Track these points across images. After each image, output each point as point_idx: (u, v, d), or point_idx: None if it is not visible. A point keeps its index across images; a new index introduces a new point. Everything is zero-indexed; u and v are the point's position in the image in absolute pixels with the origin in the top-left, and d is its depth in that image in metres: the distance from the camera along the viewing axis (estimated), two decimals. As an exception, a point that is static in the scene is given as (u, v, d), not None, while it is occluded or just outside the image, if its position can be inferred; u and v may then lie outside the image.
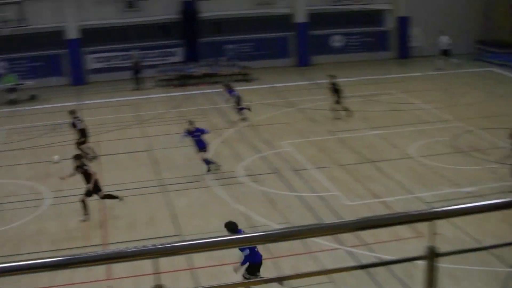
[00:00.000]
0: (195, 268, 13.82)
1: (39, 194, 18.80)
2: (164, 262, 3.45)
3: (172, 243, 3.44)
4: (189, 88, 32.04)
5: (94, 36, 34.42)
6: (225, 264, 13.66)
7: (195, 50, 35.41)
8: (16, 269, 3.72)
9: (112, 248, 12.88)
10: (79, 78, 34.20)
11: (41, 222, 16.79)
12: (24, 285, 12.64)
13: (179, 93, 31.27)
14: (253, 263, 12.24)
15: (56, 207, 17.87)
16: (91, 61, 34.75)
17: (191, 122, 20.00)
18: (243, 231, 12.45)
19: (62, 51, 34.14)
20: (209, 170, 19.80)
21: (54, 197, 18.50)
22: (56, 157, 21.46)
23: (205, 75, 33.55)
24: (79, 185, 18.98)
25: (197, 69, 33.85)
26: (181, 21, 35.18)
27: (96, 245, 15.23)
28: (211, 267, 13.84)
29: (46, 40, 34.18)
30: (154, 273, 3.46)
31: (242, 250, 11.86)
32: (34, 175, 20.40)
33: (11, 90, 31.15)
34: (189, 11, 35.08)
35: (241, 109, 25.29)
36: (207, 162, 19.86)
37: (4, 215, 17.29)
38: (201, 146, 19.79)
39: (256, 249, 12.25)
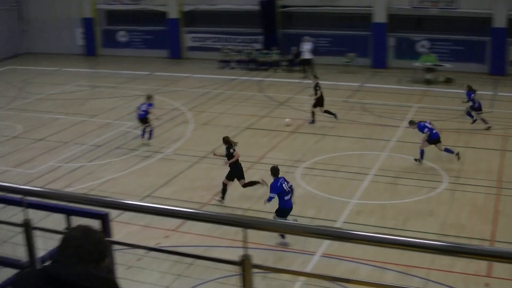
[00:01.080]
0: None
1: (436, 177, 18.71)
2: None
3: None
4: None
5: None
6: None
7: None
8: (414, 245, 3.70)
9: (499, 247, 12.20)
10: (499, 68, 33.09)
11: (433, 204, 16.73)
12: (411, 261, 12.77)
13: None
14: (283, 208, 14.67)
15: (451, 192, 17.61)
16: (516, 52, 33.30)
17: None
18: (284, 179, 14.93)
19: (486, 39, 33.33)
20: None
21: (451, 183, 18.24)
22: (287, 120, 24.09)
23: None
24: (479, 176, 18.53)
25: None
26: None
27: (482, 239, 14.67)
28: None
29: (471, 25, 33.77)
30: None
31: (270, 195, 14.77)
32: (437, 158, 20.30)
33: (429, 70, 31.52)
34: None
35: (469, 115, 23.38)
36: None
37: (399, 189, 17.62)
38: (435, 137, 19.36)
39: (287, 198, 14.70)
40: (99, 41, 40.91)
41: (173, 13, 38.06)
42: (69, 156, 21.33)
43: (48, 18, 41.52)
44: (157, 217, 12.92)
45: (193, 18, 38.62)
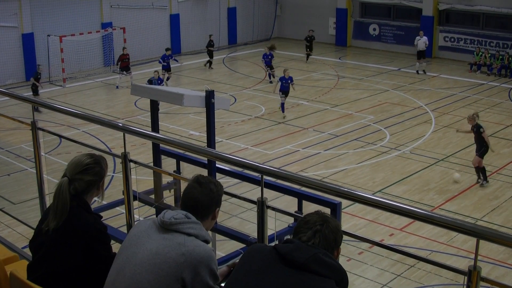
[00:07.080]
0: None
1: None
2: None
3: None
4: None
5: None
6: None
7: None
8: None
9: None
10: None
11: None
12: None
13: None
14: None
15: None
16: None
17: None
18: None
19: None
20: None
21: None
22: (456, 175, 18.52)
23: None
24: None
25: None
26: None
27: None
28: None
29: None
30: None
31: None
32: None
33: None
34: None
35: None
36: None
37: None
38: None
39: None
40: (350, 32, 41.38)
41: (427, 11, 37.32)
42: (307, 142, 21.90)
43: (303, 5, 42.81)
44: (385, 213, 12.86)
45: (447, 17, 37.62)
